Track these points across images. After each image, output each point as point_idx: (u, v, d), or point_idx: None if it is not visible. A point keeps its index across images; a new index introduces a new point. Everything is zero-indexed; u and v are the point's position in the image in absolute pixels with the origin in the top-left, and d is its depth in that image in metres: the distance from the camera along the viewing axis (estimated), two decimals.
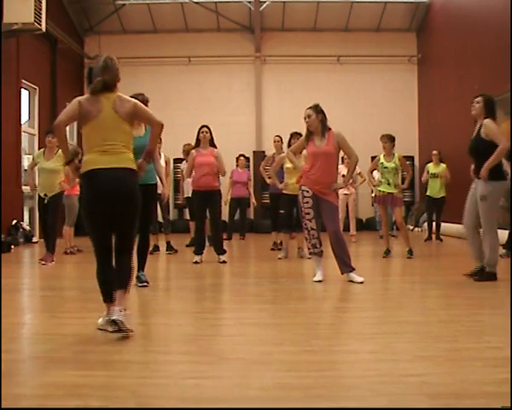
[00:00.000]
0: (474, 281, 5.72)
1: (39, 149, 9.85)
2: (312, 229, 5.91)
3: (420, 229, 14.59)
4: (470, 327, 3.82)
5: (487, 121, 5.68)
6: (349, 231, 11.30)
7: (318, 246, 5.94)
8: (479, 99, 5.83)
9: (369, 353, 3.23)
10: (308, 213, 5.88)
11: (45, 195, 8.18)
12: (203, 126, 7.93)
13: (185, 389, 2.63)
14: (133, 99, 3.87)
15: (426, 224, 12.43)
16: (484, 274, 5.75)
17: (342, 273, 5.88)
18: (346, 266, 5.85)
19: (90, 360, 3.12)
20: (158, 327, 4.03)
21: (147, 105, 5.88)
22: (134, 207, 3.75)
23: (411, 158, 15.30)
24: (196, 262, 7.73)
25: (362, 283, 5.68)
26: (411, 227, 14.70)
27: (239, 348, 3.39)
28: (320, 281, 5.82)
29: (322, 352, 3.29)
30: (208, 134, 7.83)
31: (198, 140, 7.88)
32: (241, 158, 12.87)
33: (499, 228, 5.86)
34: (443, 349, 3.24)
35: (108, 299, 3.66)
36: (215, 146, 7.92)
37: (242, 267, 7.99)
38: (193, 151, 7.95)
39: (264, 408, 2.42)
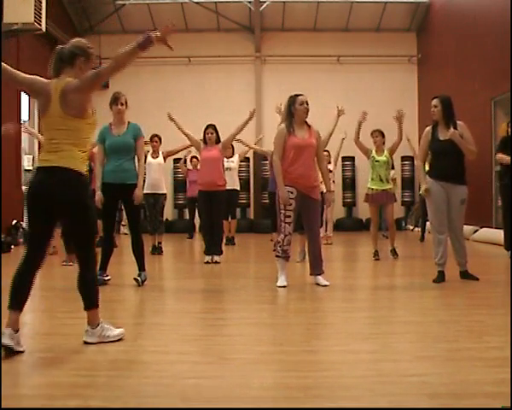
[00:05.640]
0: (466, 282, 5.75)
1: (39, 149, 9.77)
2: (289, 234, 5.62)
3: (419, 229, 14.55)
4: (470, 327, 3.82)
5: None
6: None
7: (288, 252, 5.70)
8: None
9: (369, 353, 3.23)
10: (289, 217, 5.58)
11: None
12: (208, 127, 7.87)
13: (185, 389, 2.63)
14: (71, 80, 3.38)
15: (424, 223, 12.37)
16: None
17: (311, 275, 5.73)
18: (318, 267, 5.70)
19: (90, 360, 3.12)
20: (158, 327, 4.03)
21: (127, 105, 5.77)
22: (77, 212, 3.31)
23: (411, 158, 15.27)
24: (208, 262, 7.58)
25: (327, 286, 5.53)
26: (411, 227, 14.67)
27: (239, 348, 3.39)
28: (284, 286, 5.52)
29: (322, 352, 3.30)
30: (214, 135, 7.79)
31: (205, 139, 7.85)
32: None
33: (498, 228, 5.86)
34: (443, 349, 3.24)
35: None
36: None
37: (242, 267, 7.98)
38: (202, 146, 7.84)
39: (264, 408, 2.42)
